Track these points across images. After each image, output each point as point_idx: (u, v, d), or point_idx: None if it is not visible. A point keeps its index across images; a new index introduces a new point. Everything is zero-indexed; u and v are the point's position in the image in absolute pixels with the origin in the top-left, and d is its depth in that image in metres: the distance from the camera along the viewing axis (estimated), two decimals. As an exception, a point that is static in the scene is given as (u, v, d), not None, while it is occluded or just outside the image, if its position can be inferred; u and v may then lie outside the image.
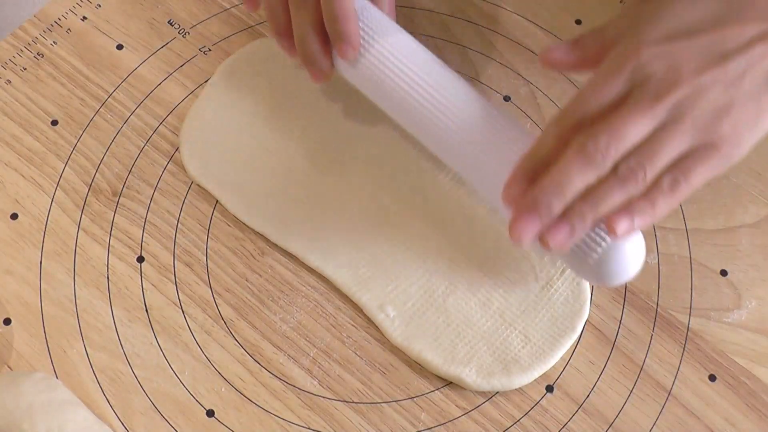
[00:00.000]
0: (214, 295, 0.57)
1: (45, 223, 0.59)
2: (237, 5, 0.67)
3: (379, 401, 0.55)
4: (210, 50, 0.65)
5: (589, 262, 0.50)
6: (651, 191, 0.48)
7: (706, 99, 0.47)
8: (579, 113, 0.48)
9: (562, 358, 0.56)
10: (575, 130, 0.48)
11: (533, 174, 0.48)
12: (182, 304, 0.57)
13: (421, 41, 0.66)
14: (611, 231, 0.48)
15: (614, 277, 0.51)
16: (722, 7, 0.49)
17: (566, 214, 0.48)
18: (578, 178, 0.47)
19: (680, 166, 0.48)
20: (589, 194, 0.47)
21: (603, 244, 0.50)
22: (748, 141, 0.49)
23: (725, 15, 0.49)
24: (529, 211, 0.47)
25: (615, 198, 0.47)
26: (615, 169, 0.47)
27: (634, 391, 0.56)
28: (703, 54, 0.48)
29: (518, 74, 0.65)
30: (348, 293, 0.57)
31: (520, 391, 0.55)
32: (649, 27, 0.49)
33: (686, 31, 0.48)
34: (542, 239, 0.48)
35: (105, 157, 0.61)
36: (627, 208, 0.48)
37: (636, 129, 0.47)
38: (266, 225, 0.59)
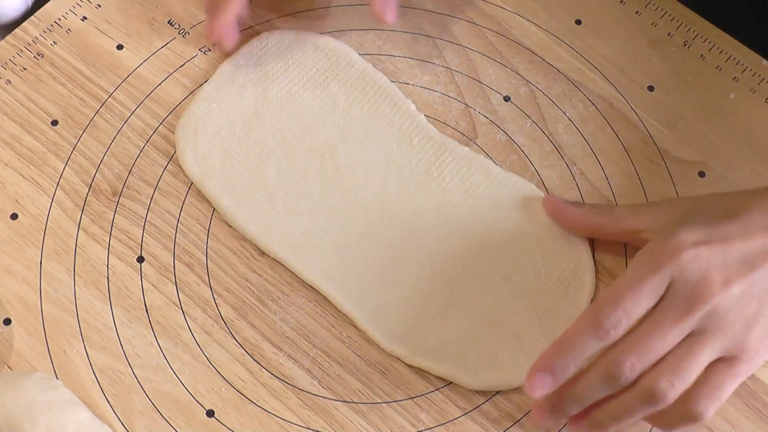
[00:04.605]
0: (214, 295, 0.57)
1: (45, 223, 0.59)
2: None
3: (379, 401, 0.55)
4: (210, 50, 0.65)
5: None
6: (685, 410, 0.48)
7: (734, 312, 0.48)
8: (617, 312, 0.48)
9: (562, 358, 0.56)
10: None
11: (553, 367, 0.49)
12: (182, 304, 0.57)
13: (421, 41, 0.66)
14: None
15: None
16: (757, 218, 0.50)
17: (585, 418, 0.51)
18: (600, 393, 0.49)
19: (711, 382, 0.48)
20: (612, 406, 0.49)
21: None
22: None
23: (756, 221, 0.50)
24: (548, 410, 0.51)
25: (638, 414, 0.49)
26: (642, 386, 0.48)
27: (634, 391, 0.55)
28: (734, 263, 0.49)
29: (518, 74, 0.64)
30: (336, 304, 0.57)
31: (520, 391, 0.55)
32: (690, 225, 0.50)
33: (722, 236, 0.49)
34: None
35: (105, 157, 0.61)
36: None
37: (663, 343, 0.48)
38: (256, 231, 0.58)
